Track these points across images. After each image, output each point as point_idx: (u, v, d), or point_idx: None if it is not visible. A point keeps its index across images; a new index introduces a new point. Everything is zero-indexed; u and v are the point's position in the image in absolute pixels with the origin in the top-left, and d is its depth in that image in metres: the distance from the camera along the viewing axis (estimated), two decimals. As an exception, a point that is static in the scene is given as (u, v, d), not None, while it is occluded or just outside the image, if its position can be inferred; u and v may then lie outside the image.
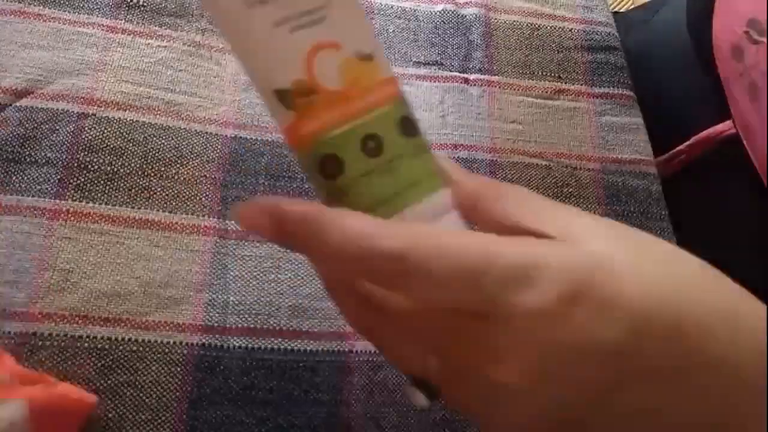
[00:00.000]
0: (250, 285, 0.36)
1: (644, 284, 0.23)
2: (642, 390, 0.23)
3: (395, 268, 0.22)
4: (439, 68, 0.46)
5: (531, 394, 0.23)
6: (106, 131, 0.38)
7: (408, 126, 0.28)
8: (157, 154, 0.38)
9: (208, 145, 0.39)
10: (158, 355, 0.33)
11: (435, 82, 0.45)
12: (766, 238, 0.46)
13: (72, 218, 0.35)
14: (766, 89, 0.46)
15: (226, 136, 0.40)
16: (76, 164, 0.37)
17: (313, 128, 0.27)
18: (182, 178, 0.38)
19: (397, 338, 0.24)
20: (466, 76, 0.46)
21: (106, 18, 0.41)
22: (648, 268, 0.23)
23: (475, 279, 0.22)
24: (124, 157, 0.38)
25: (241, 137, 0.40)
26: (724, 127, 0.48)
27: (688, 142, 0.51)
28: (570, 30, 0.50)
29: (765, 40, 0.47)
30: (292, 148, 0.27)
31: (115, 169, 0.37)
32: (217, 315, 0.35)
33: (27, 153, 0.36)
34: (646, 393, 0.23)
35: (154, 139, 0.38)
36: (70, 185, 0.36)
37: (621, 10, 0.78)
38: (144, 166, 0.38)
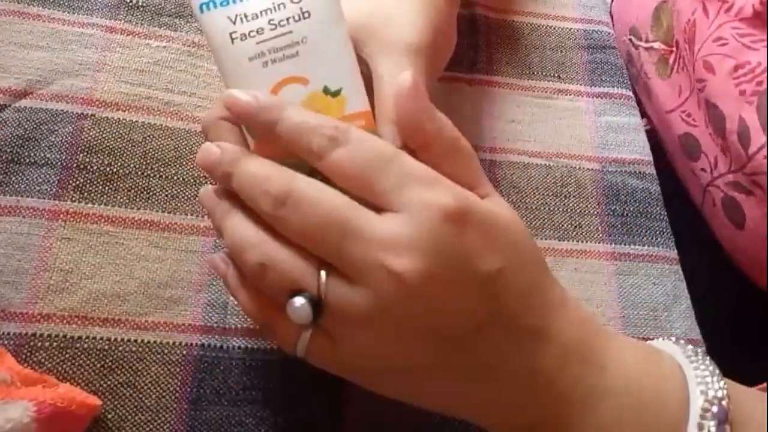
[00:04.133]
0: (250, 285, 0.36)
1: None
2: (500, 337, 0.26)
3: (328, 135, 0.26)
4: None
5: (418, 293, 0.24)
6: (105, 132, 0.38)
7: None
8: (156, 155, 0.38)
9: (207, 145, 0.39)
10: (158, 356, 0.33)
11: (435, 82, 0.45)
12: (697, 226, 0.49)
13: (71, 219, 0.35)
14: (653, 89, 0.51)
15: (225, 136, 0.40)
16: (75, 165, 0.37)
17: (267, 157, 0.29)
18: (182, 179, 0.38)
19: (288, 254, 0.25)
20: (466, 76, 0.46)
21: (105, 18, 0.41)
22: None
23: (386, 165, 0.25)
24: (124, 158, 0.38)
25: (240, 137, 0.40)
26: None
27: None
28: (569, 30, 0.50)
29: (643, 44, 0.52)
30: None
31: (115, 170, 0.37)
32: (216, 315, 0.35)
33: (26, 154, 0.36)
34: (502, 342, 0.26)
35: (154, 139, 0.38)
36: (69, 186, 0.36)
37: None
38: (143, 167, 0.38)
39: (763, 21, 0.40)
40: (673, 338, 0.31)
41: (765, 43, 0.39)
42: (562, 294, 0.28)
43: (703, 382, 0.26)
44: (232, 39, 0.28)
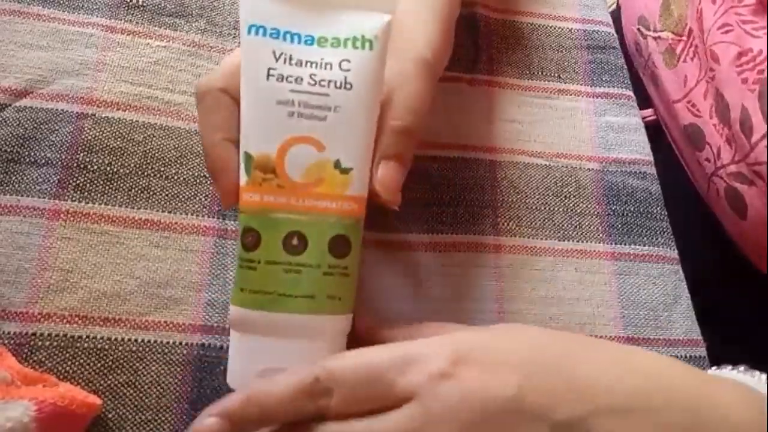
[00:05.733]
0: (250, 285, 0.36)
1: (524, 349, 0.27)
2: None
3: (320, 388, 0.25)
4: (439, 68, 0.46)
5: None
6: (105, 131, 0.38)
7: (339, 246, 0.29)
8: (156, 154, 0.38)
9: (207, 145, 0.39)
10: (158, 355, 0.33)
11: (435, 82, 0.45)
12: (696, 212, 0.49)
13: (71, 218, 0.35)
14: (660, 79, 0.51)
15: (225, 136, 0.40)
16: (75, 164, 0.37)
17: (252, 200, 0.28)
18: (182, 178, 0.38)
19: None
20: (466, 76, 0.46)
21: (106, 18, 0.41)
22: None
23: (379, 370, 0.26)
24: (124, 158, 0.38)
25: (240, 137, 0.40)
26: (646, 113, 0.53)
27: None
28: (570, 30, 0.50)
29: (651, 33, 0.51)
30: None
31: (115, 170, 0.37)
32: (217, 315, 0.35)
33: (26, 153, 0.36)
34: None
35: (154, 139, 0.38)
36: (69, 185, 0.36)
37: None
38: (144, 166, 0.38)
39: (765, 7, 0.40)
40: (743, 367, 0.30)
41: (766, 30, 0.39)
42: (613, 354, 0.28)
43: None
44: (269, 75, 0.27)
